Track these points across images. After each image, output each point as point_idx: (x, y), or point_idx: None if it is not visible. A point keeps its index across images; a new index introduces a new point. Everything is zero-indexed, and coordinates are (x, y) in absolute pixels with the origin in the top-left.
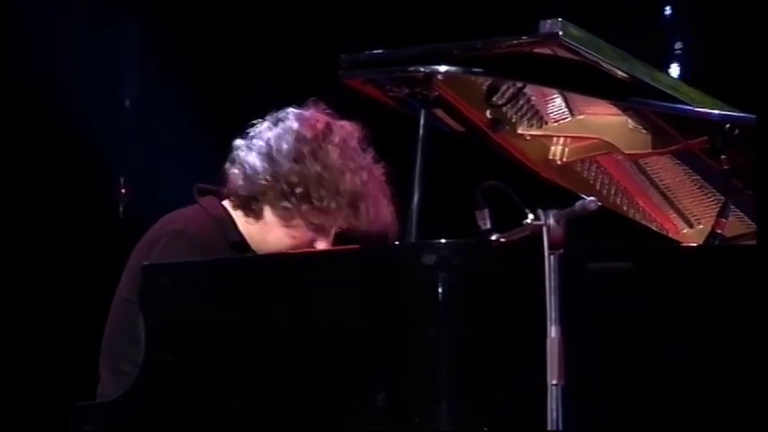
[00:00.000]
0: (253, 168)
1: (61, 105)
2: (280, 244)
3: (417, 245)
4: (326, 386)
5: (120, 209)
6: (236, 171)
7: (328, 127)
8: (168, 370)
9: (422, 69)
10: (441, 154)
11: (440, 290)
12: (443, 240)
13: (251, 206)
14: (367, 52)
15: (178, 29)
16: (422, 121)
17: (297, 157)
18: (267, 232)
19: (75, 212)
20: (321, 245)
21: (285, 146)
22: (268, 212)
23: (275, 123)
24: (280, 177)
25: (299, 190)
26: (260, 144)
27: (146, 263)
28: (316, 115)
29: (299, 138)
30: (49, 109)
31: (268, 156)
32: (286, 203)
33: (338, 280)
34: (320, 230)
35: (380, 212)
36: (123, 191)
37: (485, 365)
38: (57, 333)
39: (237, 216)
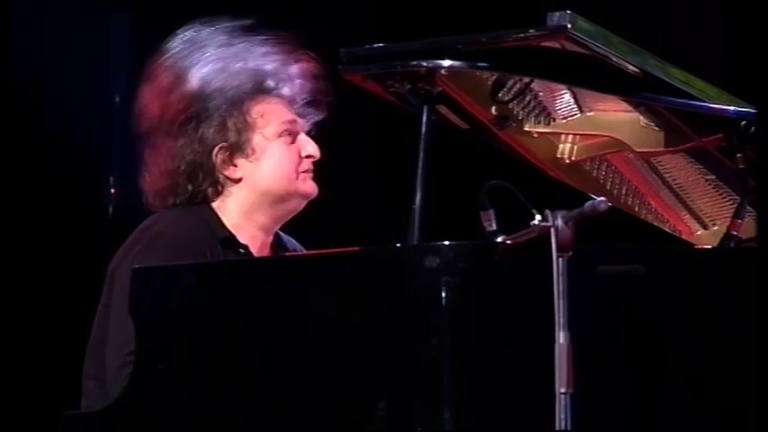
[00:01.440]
0: (180, 164)
1: (47, 102)
2: (280, 179)
3: (419, 247)
4: (325, 395)
5: (110, 210)
6: (176, 176)
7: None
8: (160, 379)
9: (424, 64)
10: (444, 152)
11: (443, 294)
12: (447, 242)
13: (210, 185)
14: (367, 46)
15: (170, 19)
16: (424, 118)
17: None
18: (250, 189)
19: (63, 214)
20: (308, 144)
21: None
22: (227, 172)
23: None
24: (189, 144)
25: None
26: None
27: (136, 266)
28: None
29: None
30: (34, 106)
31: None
32: (223, 155)
33: (337, 283)
34: (290, 135)
35: (293, 71)
36: (113, 191)
37: (490, 374)
38: (43, 338)
39: (218, 207)
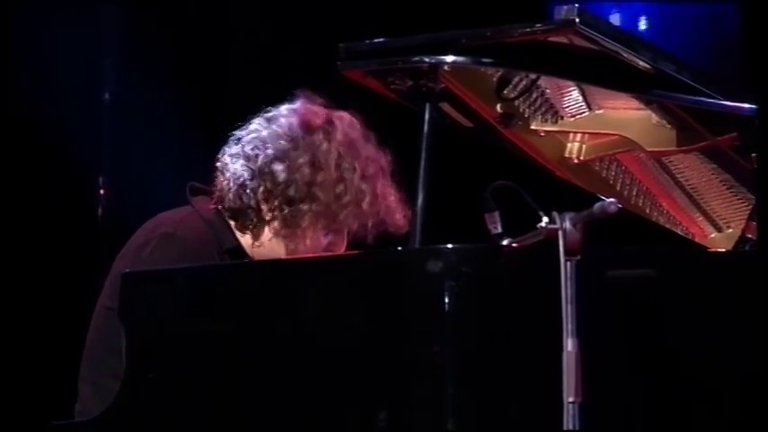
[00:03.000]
0: (242, 180)
1: (34, 98)
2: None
3: (422, 250)
4: (322, 405)
5: (100, 212)
6: (224, 181)
7: (329, 122)
8: (151, 387)
9: (427, 60)
10: (447, 151)
11: (446, 300)
12: (450, 246)
13: (245, 221)
14: (367, 41)
15: (162, 13)
16: (427, 116)
17: (292, 164)
18: (269, 246)
19: (51, 216)
20: (340, 246)
21: (278, 151)
22: (267, 228)
23: (266, 123)
24: (275, 189)
25: (297, 197)
26: (248, 150)
27: (126, 270)
28: (312, 110)
29: (294, 139)
30: (20, 103)
31: (258, 165)
32: (285, 215)
33: (336, 288)
34: (332, 233)
35: (389, 207)
36: (102, 192)
37: (495, 383)
38: (32, 345)
39: (233, 224)
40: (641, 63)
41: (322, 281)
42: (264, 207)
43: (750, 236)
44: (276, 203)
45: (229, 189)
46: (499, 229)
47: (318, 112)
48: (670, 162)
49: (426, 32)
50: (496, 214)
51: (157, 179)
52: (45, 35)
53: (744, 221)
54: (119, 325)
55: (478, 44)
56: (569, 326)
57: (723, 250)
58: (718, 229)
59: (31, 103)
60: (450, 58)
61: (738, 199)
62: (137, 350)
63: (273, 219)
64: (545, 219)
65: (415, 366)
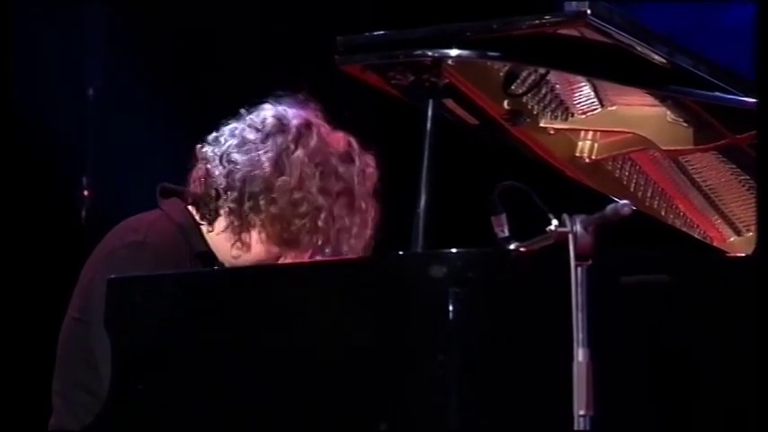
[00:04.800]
0: (207, 165)
1: (16, 97)
2: (242, 257)
3: (425, 255)
4: (320, 417)
5: (83, 213)
6: (194, 172)
7: (306, 126)
8: (139, 399)
9: (430, 54)
10: (451, 150)
11: (451, 307)
12: (455, 250)
13: (204, 210)
14: (367, 34)
15: (147, 6)
16: (430, 113)
17: (254, 157)
18: (219, 240)
19: (32, 218)
20: (290, 260)
21: (244, 140)
22: (221, 221)
23: (246, 114)
24: (233, 179)
25: (254, 192)
26: (221, 137)
27: (112, 276)
28: (293, 111)
29: (263, 134)
30: (1, 101)
31: (222, 150)
32: (238, 209)
33: (333, 295)
34: (286, 245)
35: (341, 233)
36: (86, 193)
37: (502, 394)
38: (12, 349)
39: (198, 216)
40: (656, 57)
41: (319, 287)
42: (222, 197)
43: None
44: (233, 195)
45: (198, 176)
46: (506, 233)
47: (300, 115)
48: (687, 161)
49: (429, 25)
50: (503, 217)
51: (143, 180)
52: (28, 33)
53: None
54: (87, 336)
55: (485, 37)
56: (580, 335)
57: (743, 255)
58: (738, 233)
59: (13, 102)
60: (454, 52)
61: None
62: (124, 360)
63: (229, 212)
64: (555, 221)
65: (419, 377)
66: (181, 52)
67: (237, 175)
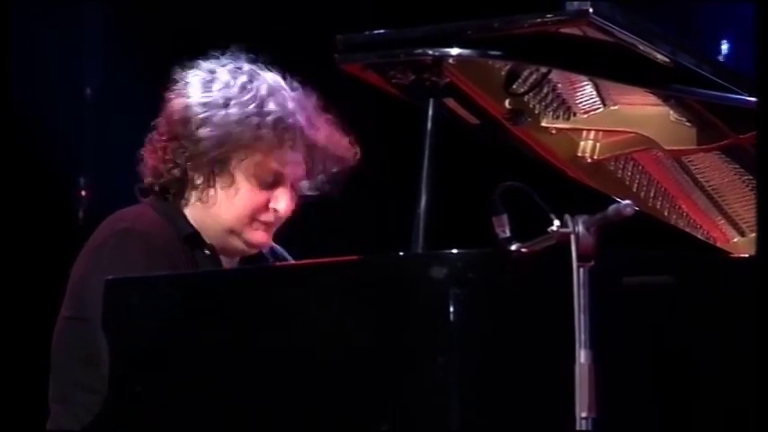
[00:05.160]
0: (163, 148)
1: (13, 96)
2: (233, 216)
3: (425, 256)
4: (320, 420)
5: (80, 214)
6: (143, 167)
7: (239, 69)
8: (138, 402)
9: (430, 52)
10: (452, 150)
11: (451, 308)
12: (455, 251)
13: (177, 188)
14: (367, 33)
15: (146, 6)
16: (430, 113)
17: (204, 106)
18: (211, 209)
19: (29, 218)
20: (281, 199)
21: (193, 100)
22: (194, 191)
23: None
24: (189, 136)
25: (215, 137)
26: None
27: (109, 278)
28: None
29: (206, 87)
30: None
31: (178, 121)
32: (207, 163)
33: (333, 296)
34: (270, 183)
35: (323, 134)
36: (84, 193)
37: (504, 397)
38: (8, 351)
39: (181, 203)
40: (659, 56)
41: (318, 287)
42: (188, 165)
43: None
44: (196, 152)
45: (151, 165)
46: (507, 233)
47: (236, 65)
48: (690, 161)
49: (430, 23)
50: (505, 217)
51: (140, 180)
52: (26, 32)
53: None
54: (82, 334)
55: (486, 36)
56: (582, 336)
57: (746, 256)
58: (741, 233)
59: (10, 101)
60: (455, 51)
61: None
62: (122, 362)
63: (198, 179)
64: (556, 222)
65: (419, 379)
66: (179, 52)
67: (191, 129)
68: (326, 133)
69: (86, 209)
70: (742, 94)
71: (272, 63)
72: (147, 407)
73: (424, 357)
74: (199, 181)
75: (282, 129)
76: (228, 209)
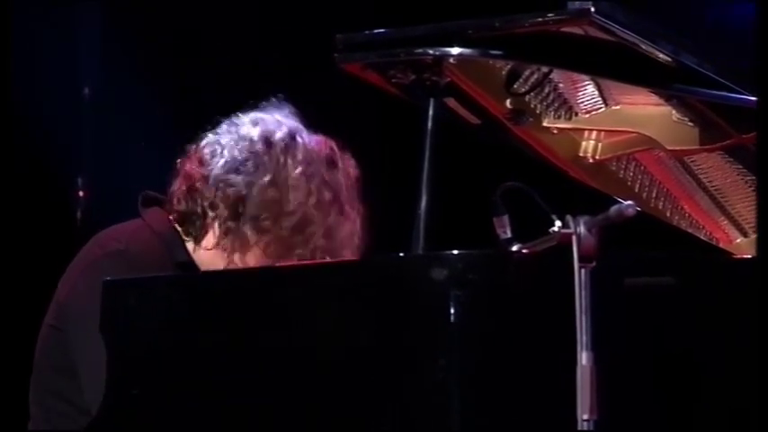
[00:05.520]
0: (193, 183)
1: (10, 96)
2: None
3: (425, 257)
4: (320, 422)
5: (78, 215)
6: (176, 182)
7: (291, 137)
8: (134, 405)
9: (431, 52)
10: (453, 150)
11: (452, 310)
12: (456, 252)
13: (189, 227)
14: (367, 32)
15: (144, 6)
16: (430, 112)
17: (251, 179)
18: (208, 256)
19: (26, 218)
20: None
21: (236, 161)
22: (210, 236)
23: (228, 129)
24: (226, 200)
25: (249, 213)
26: (205, 154)
27: (107, 279)
28: (277, 122)
29: (253, 153)
30: None
31: (213, 171)
32: (230, 225)
33: (333, 297)
34: (282, 260)
35: (336, 243)
36: (81, 194)
37: (505, 399)
38: (3, 352)
39: (182, 231)
40: (661, 55)
41: (318, 289)
42: (211, 214)
43: None
44: (225, 214)
45: (180, 191)
46: (509, 234)
47: (282, 126)
48: (692, 161)
49: (430, 23)
50: (506, 218)
51: (138, 181)
52: (24, 32)
53: None
54: (63, 343)
55: (487, 35)
56: (584, 338)
57: (749, 257)
58: (744, 234)
59: (7, 101)
60: (456, 51)
61: None
62: (119, 365)
63: (224, 232)
64: (558, 223)
65: (419, 379)
66: (178, 52)
67: (231, 196)
68: (350, 228)
69: (84, 209)
70: (745, 94)
71: (273, 63)
72: (145, 409)
73: (424, 358)
74: (215, 230)
75: (311, 223)
76: (229, 260)
